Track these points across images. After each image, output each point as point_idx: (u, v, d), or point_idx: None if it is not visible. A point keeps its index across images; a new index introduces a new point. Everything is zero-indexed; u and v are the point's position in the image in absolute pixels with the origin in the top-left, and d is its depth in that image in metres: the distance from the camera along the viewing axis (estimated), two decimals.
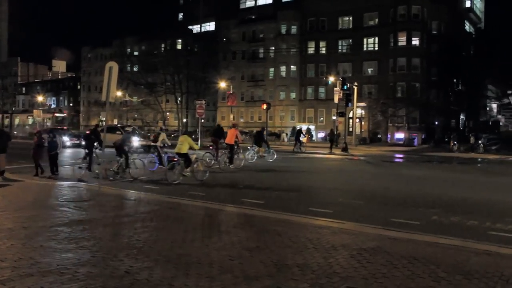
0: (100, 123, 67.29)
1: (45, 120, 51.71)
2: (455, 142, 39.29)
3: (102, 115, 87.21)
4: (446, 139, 47.43)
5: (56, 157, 16.96)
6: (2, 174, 15.75)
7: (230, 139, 21.94)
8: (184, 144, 16.00)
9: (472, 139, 39.52)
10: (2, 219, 8.93)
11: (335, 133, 41.14)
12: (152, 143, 20.77)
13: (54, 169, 16.88)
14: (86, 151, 18.35)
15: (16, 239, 7.43)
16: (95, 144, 18.74)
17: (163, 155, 18.94)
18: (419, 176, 19.97)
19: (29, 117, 53.76)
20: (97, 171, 16.59)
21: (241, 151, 22.84)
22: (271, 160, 25.19)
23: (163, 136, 19.60)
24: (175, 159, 16.33)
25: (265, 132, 29.86)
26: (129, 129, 21.04)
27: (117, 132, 32.40)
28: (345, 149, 35.95)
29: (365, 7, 60.81)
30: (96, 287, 5.30)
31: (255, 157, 25.04)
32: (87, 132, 22.59)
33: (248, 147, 26.20)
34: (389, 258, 6.67)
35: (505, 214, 10.77)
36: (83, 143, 22.18)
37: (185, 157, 15.98)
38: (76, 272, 5.78)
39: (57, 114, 52.63)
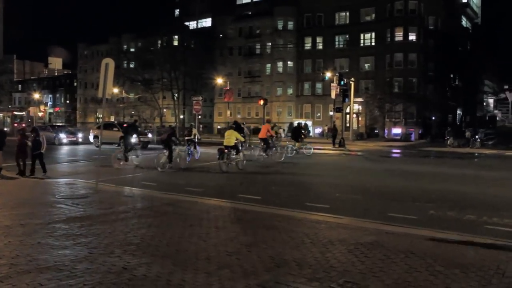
0: (113, 120, 67.50)
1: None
2: (449, 137, 39.30)
3: (99, 112, 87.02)
4: (443, 135, 47.50)
5: (41, 156, 15.93)
6: None
7: (263, 133, 23.79)
8: (231, 137, 18.72)
9: (468, 134, 39.56)
10: (0, 216, 8.93)
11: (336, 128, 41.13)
12: (186, 137, 22.84)
13: (38, 169, 16.09)
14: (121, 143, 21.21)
15: (13, 236, 7.42)
16: (132, 138, 21.09)
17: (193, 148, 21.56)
18: (416, 171, 20.02)
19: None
20: (135, 162, 19.97)
21: (279, 146, 25.16)
22: (309, 154, 26.87)
23: (195, 130, 22.17)
24: (226, 151, 18.52)
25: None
26: (173, 124, 23.25)
27: (114, 129, 32.36)
28: (342, 145, 35.99)
29: (362, 3, 60.70)
30: (94, 283, 5.30)
31: (294, 152, 26.54)
32: (125, 125, 24.41)
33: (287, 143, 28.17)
34: (386, 253, 6.70)
35: (502, 208, 10.81)
36: (120, 136, 25.15)
37: (234, 148, 18.88)
38: (73, 269, 5.79)
39: (16, 113, 52.44)
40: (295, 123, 47.22)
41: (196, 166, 20.41)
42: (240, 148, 19.57)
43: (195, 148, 22.76)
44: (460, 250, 6.94)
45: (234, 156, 18.99)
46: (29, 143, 16.09)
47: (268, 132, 23.73)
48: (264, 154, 23.54)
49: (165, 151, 18.90)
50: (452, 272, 5.85)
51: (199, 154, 23.21)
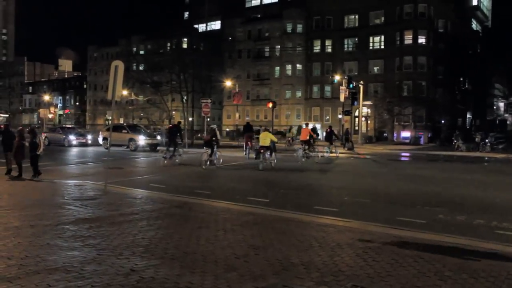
0: (123, 122, 68.01)
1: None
2: (456, 141, 38.98)
3: (108, 114, 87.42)
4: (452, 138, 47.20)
5: (35, 158, 15.78)
6: (9, 173, 15.85)
7: (304, 136, 25.43)
8: (267, 139, 20.76)
9: (477, 138, 39.22)
10: (9, 217, 8.99)
11: (344, 131, 41.06)
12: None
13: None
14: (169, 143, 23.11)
15: (22, 237, 7.47)
16: (177, 138, 23.34)
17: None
18: (424, 175, 19.90)
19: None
20: (177, 160, 22.38)
21: (316, 147, 26.55)
22: (337, 155, 28.79)
23: (217, 132, 23.35)
24: (262, 151, 20.59)
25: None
26: (214, 126, 24.82)
27: (123, 131, 32.52)
28: (351, 148, 35.89)
29: (371, 6, 60.57)
30: (102, 285, 5.32)
31: (328, 154, 28.25)
32: (170, 126, 26.91)
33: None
34: (394, 257, 6.66)
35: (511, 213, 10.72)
36: (165, 136, 28.05)
37: (269, 148, 20.70)
38: (82, 270, 5.81)
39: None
40: (310, 125, 47.39)
41: (221, 166, 21.47)
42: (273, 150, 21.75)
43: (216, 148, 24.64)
44: (470, 255, 6.88)
45: (268, 156, 20.85)
46: (27, 144, 16.05)
47: (309, 134, 25.47)
48: (306, 156, 25.09)
49: (208, 150, 20.79)
50: (461, 277, 5.80)
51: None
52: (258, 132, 29.26)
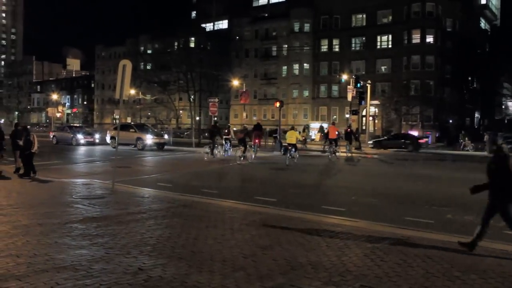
0: (145, 122, 68.53)
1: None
2: (462, 141, 38.70)
3: (115, 113, 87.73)
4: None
5: (29, 157, 15.55)
6: (18, 171, 15.93)
7: (333, 134, 27.30)
8: (293, 137, 22.82)
9: (486, 137, 38.90)
10: (18, 216, 9.04)
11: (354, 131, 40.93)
12: (225, 136, 26.99)
13: (21, 169, 15.86)
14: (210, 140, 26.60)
15: (31, 235, 7.51)
16: (216, 136, 26.38)
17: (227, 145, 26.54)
18: (432, 174, 19.81)
19: None
20: (217, 155, 25.56)
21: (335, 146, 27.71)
22: (349, 155, 29.62)
23: (232, 131, 26.98)
24: (289, 147, 22.86)
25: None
26: (248, 126, 31.44)
27: (131, 130, 32.61)
28: (358, 148, 35.79)
29: (379, 5, 60.36)
30: (110, 283, 5.33)
31: (348, 153, 29.57)
32: (212, 126, 29.92)
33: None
34: (403, 257, 6.63)
35: None
36: (206, 134, 32.76)
37: (294, 146, 22.91)
38: (90, 269, 5.83)
39: None
40: (317, 124, 47.44)
41: (253, 161, 24.25)
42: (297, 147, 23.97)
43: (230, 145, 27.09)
44: (478, 255, 6.84)
45: (293, 152, 22.83)
46: (20, 143, 15.87)
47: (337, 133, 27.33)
48: (334, 154, 26.83)
49: (241, 146, 23.75)
50: (470, 278, 5.77)
51: (229, 153, 26.68)
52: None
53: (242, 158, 23.21)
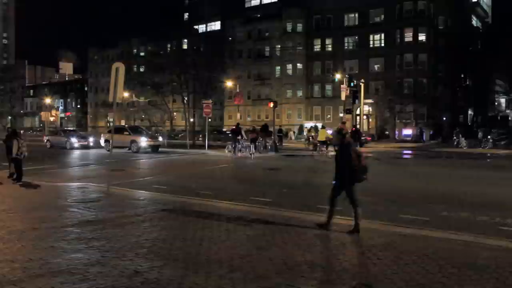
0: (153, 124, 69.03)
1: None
2: (456, 138, 38.82)
3: (109, 116, 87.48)
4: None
5: (16, 161, 15.23)
6: (12, 176, 15.84)
7: (322, 136, 29.17)
8: (322, 135, 27.85)
9: (480, 134, 39.09)
10: (13, 220, 9.00)
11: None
12: (251, 136, 29.62)
13: (15, 174, 15.48)
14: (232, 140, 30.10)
15: (26, 240, 7.48)
16: (238, 136, 29.33)
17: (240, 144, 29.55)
18: (427, 172, 19.88)
19: None
20: (239, 154, 28.53)
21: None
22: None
23: (242, 131, 30.12)
24: (318, 144, 28.28)
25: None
26: (255, 126, 33.85)
27: (125, 132, 32.51)
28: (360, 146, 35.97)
29: (371, 4, 60.56)
30: (106, 286, 5.32)
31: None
32: (234, 127, 32.32)
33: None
34: (398, 254, 6.65)
35: None
36: (230, 134, 35.68)
37: (325, 143, 27.56)
38: (86, 272, 5.81)
39: None
40: (310, 124, 47.73)
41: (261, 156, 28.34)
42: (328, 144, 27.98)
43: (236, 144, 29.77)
44: (474, 252, 6.86)
45: (324, 149, 27.94)
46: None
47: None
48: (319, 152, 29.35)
49: (253, 145, 28.21)
50: (465, 274, 5.80)
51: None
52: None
53: (253, 155, 27.13)
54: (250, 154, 27.22)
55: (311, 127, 43.71)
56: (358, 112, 52.74)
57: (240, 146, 29.31)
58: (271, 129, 38.74)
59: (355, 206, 8.24)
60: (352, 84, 40.65)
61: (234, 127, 32.72)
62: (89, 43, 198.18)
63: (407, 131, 55.48)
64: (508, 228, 8.71)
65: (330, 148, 27.40)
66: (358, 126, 35.44)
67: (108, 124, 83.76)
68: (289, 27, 67.61)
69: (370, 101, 55.39)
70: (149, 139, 32.57)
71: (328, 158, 24.13)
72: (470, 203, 11.54)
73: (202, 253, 6.74)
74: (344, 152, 8.28)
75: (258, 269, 5.97)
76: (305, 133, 54.54)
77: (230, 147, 29.99)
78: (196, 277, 5.65)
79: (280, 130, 41.23)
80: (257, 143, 29.81)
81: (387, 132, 57.65)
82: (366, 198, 12.32)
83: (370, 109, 58.04)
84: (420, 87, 56.08)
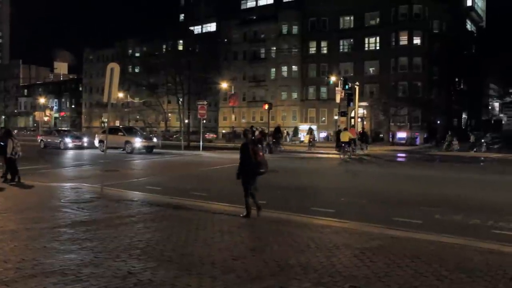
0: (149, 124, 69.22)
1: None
2: (447, 141, 38.92)
3: (104, 117, 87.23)
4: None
5: (10, 161, 15.01)
6: (6, 176, 15.75)
7: (345, 137, 30.20)
8: (346, 136, 29.31)
9: (472, 138, 39.23)
10: (5, 221, 8.96)
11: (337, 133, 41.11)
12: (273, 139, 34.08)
13: (8, 175, 15.26)
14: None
15: (19, 240, 7.45)
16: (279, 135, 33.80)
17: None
18: (421, 175, 19.96)
19: None
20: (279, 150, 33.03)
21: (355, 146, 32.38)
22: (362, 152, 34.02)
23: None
24: (343, 145, 29.32)
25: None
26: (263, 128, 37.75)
27: (120, 133, 32.44)
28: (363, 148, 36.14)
29: (366, 7, 60.68)
30: (99, 287, 5.31)
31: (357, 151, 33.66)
32: (276, 127, 36.99)
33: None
34: (392, 257, 6.67)
35: (508, 212, 10.75)
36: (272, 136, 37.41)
37: (348, 143, 29.31)
38: (79, 273, 5.79)
39: None
40: (306, 126, 48.12)
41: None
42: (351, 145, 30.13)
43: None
44: (466, 255, 6.90)
45: (347, 149, 29.27)
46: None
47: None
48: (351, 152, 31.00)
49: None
50: (458, 277, 5.82)
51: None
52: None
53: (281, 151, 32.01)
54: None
55: (310, 129, 44.32)
56: (352, 114, 52.86)
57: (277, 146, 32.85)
58: (266, 131, 38.90)
59: (246, 196, 9.66)
60: (347, 86, 40.68)
61: (276, 127, 37.82)
62: (84, 43, 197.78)
63: (401, 134, 55.60)
64: (500, 231, 8.76)
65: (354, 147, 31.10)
66: (364, 129, 38.84)
67: (103, 125, 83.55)
68: (284, 29, 67.66)
69: (364, 103, 55.45)
70: (144, 140, 32.52)
71: (357, 156, 28.34)
72: (463, 206, 11.59)
73: (195, 254, 6.73)
74: (247, 150, 9.59)
75: (252, 271, 5.97)
76: (302, 135, 54.71)
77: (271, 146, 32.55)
78: (190, 278, 5.65)
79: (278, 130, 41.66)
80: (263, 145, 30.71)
81: (381, 135, 57.79)
82: (360, 201, 12.38)
83: (365, 112, 58.11)
84: (414, 90, 56.25)
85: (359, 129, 38.91)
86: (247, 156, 9.53)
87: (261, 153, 9.92)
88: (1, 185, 14.40)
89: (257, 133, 30.69)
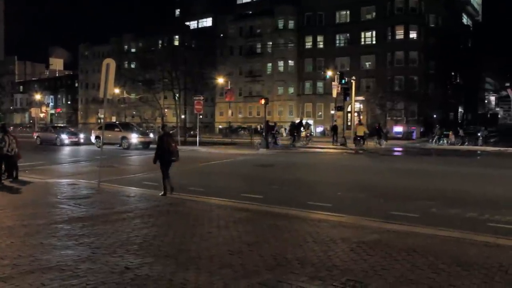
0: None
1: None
2: (437, 135, 39.04)
3: (100, 113, 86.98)
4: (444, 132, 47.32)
5: (5, 158, 14.74)
6: (3, 174, 15.67)
7: (360, 131, 32.29)
8: (361, 130, 31.64)
9: (461, 132, 39.32)
10: (2, 217, 8.95)
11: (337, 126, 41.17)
12: (296, 133, 36.04)
13: (5, 173, 14.96)
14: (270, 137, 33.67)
15: (16, 236, 7.44)
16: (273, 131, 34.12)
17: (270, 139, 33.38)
18: (417, 169, 20.00)
19: None
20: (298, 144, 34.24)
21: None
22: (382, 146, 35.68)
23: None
24: (358, 138, 31.36)
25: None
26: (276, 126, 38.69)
27: (116, 129, 32.37)
28: (344, 143, 35.99)
29: (362, 1, 60.61)
30: (97, 283, 5.31)
31: (382, 145, 36.08)
32: (298, 123, 38.71)
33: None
34: (388, 251, 6.69)
35: (504, 205, 10.79)
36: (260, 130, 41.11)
37: (362, 137, 31.32)
38: (76, 269, 5.79)
39: None
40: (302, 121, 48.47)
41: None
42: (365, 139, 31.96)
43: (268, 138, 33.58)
44: (463, 248, 6.93)
45: (361, 142, 31.20)
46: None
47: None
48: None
49: (291, 137, 35.35)
50: (454, 270, 5.85)
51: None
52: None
53: (291, 146, 33.84)
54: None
55: (307, 123, 44.81)
56: (349, 109, 52.88)
57: (271, 141, 33.23)
58: (263, 126, 39.09)
59: (163, 179, 11.64)
60: (343, 81, 40.64)
61: (297, 122, 39.68)
62: (80, 39, 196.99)
63: (398, 129, 55.70)
64: (496, 224, 8.80)
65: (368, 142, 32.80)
66: (380, 124, 40.79)
67: (99, 121, 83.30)
68: (280, 24, 67.52)
69: (361, 98, 55.48)
70: (140, 136, 32.45)
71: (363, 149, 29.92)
72: (459, 199, 11.63)
73: (192, 249, 6.74)
74: (162, 141, 11.68)
75: (249, 265, 5.98)
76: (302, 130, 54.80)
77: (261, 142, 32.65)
78: (187, 273, 5.66)
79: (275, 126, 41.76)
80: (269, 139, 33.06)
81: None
82: (357, 195, 12.41)
83: (361, 106, 58.17)
84: (411, 84, 56.28)
85: (375, 125, 40.90)
86: (162, 146, 11.54)
87: (173, 144, 11.93)
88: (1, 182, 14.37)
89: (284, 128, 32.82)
